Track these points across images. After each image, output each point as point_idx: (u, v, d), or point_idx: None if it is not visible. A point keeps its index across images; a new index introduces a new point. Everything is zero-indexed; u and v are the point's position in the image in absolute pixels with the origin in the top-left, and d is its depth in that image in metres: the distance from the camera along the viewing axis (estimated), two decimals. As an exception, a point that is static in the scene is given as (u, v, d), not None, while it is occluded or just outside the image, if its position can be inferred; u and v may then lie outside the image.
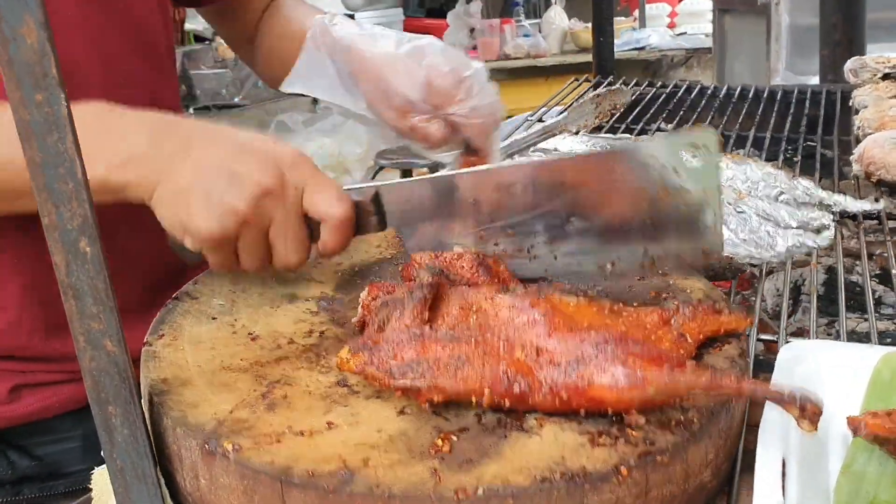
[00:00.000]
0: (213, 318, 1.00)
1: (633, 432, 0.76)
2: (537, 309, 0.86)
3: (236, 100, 6.65)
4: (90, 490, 0.93)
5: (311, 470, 0.73)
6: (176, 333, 0.96)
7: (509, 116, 2.46)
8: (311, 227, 1.01)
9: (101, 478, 0.91)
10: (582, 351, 0.79)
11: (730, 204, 1.31)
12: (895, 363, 0.90)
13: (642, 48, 6.81)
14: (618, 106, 1.77)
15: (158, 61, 1.35)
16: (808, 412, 0.72)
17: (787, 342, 1.13)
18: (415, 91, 1.21)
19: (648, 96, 2.34)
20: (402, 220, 1.08)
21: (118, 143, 0.96)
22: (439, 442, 0.76)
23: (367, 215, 1.05)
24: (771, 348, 1.14)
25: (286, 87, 1.34)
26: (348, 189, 1.04)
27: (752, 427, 0.95)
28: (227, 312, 1.01)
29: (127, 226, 1.11)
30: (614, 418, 0.78)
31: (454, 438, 0.76)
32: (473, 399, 0.79)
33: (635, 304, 1.00)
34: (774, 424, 0.84)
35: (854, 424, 0.79)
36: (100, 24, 1.23)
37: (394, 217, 1.07)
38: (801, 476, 0.79)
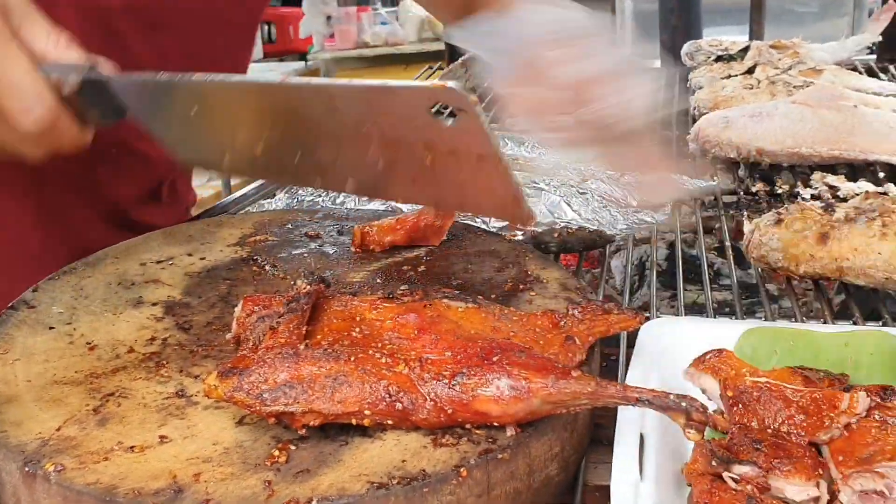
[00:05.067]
0: (51, 328, 0.90)
1: (477, 430, 0.70)
2: (423, 317, 0.78)
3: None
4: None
5: (138, 488, 0.64)
6: (7, 346, 0.85)
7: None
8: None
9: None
10: (467, 361, 0.71)
11: (573, 186, 1.27)
12: (756, 338, 0.87)
13: (497, 36, 6.73)
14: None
15: None
16: (694, 421, 0.67)
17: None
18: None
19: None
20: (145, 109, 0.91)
21: None
22: (276, 452, 0.68)
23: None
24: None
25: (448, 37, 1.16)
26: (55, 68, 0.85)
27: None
28: (66, 321, 0.91)
29: None
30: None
31: (292, 448, 0.69)
32: (354, 421, 0.70)
33: (494, 296, 0.95)
34: None
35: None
36: None
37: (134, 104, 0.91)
38: (658, 452, 0.74)
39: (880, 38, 2.16)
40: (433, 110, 0.74)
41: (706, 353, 0.79)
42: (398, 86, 0.77)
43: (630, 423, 0.76)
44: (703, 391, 0.77)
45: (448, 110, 0.74)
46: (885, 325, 1.02)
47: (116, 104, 0.89)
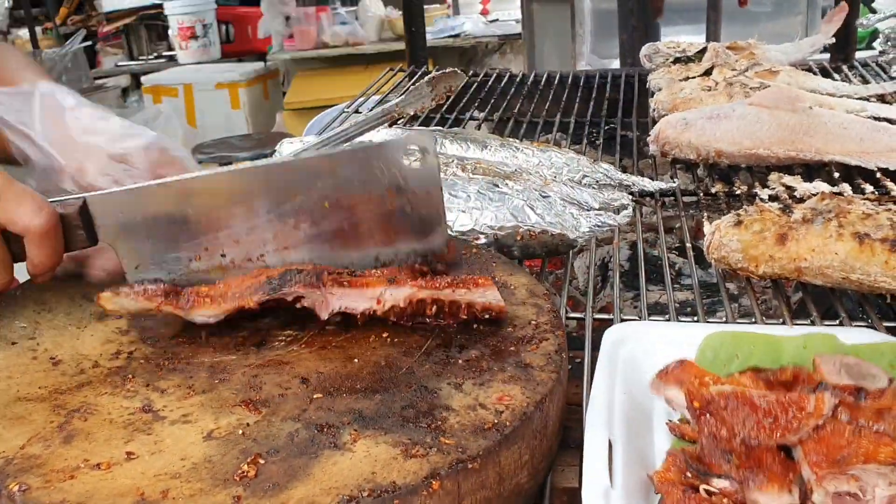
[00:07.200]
0: (13, 343, 0.88)
1: (447, 440, 0.70)
2: None
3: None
4: None
5: (107, 507, 0.64)
6: (-31, 363, 0.84)
7: (328, 106, 2.36)
8: (14, 246, 0.90)
9: None
10: None
11: (535, 190, 1.27)
12: (718, 342, 0.87)
13: (457, 35, 6.68)
14: (452, 88, 1.70)
15: None
16: None
17: (594, 318, 1.09)
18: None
19: (461, 85, 2.29)
20: (118, 234, 0.94)
21: None
22: (245, 467, 0.68)
23: (73, 229, 0.92)
24: (583, 325, 1.11)
25: None
26: (54, 200, 0.92)
27: (569, 405, 0.90)
28: (28, 336, 0.90)
29: None
30: (429, 425, 0.72)
31: (262, 462, 0.68)
32: None
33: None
34: (600, 405, 0.79)
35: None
36: None
37: (108, 231, 0.94)
38: (626, 459, 0.74)
39: (833, 40, 2.18)
40: None
41: (668, 365, 0.80)
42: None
43: (598, 429, 0.76)
44: (669, 402, 0.78)
45: None
46: (841, 323, 1.04)
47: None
